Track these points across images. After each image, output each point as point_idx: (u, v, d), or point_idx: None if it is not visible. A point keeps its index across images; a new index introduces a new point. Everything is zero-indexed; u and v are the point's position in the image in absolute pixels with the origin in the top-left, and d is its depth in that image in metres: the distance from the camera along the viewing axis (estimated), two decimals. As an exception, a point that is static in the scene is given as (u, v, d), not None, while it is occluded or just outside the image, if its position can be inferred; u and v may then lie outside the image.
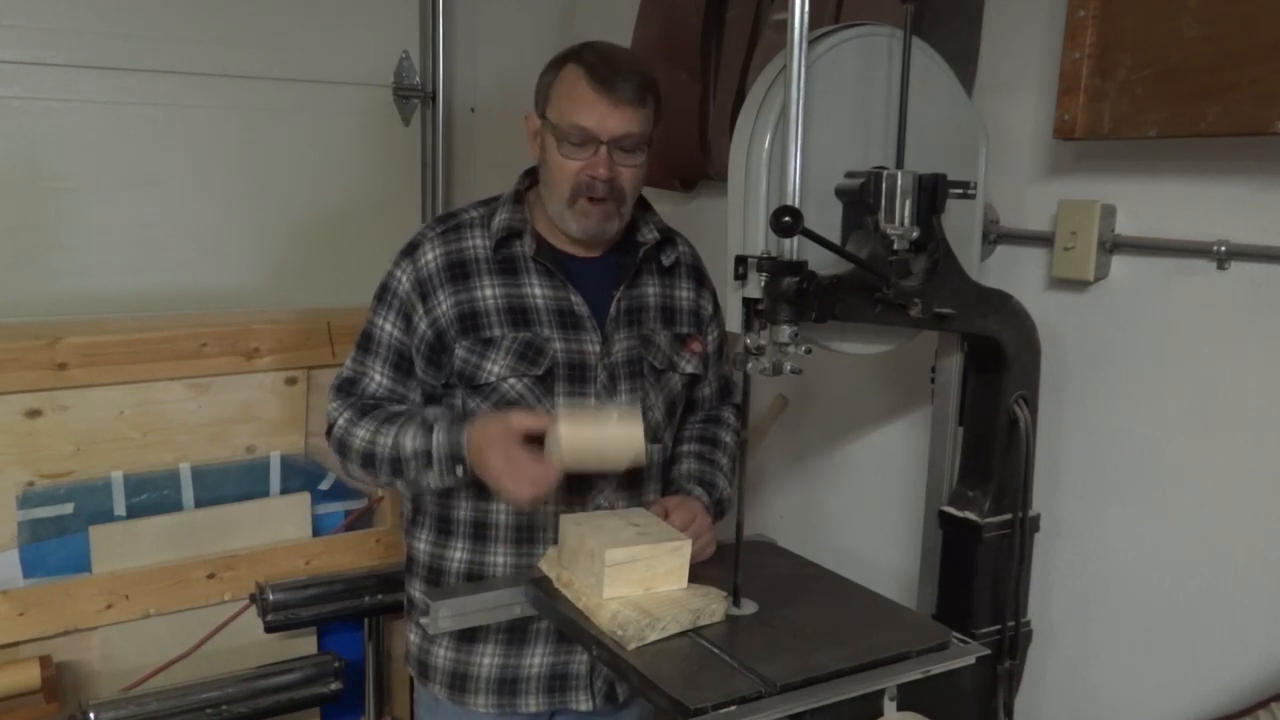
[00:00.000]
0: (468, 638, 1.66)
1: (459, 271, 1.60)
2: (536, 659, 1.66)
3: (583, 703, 1.68)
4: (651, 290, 1.70)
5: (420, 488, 1.60)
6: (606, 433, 1.46)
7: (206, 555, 2.26)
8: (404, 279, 1.61)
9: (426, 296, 1.59)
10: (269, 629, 2.23)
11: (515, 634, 1.65)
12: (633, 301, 1.67)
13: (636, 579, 1.42)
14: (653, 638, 1.34)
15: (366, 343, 1.65)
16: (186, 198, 2.50)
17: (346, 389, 1.65)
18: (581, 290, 1.62)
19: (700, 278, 1.77)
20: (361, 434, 1.59)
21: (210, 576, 2.26)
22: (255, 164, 2.58)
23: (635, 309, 1.67)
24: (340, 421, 1.62)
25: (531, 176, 1.67)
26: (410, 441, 1.54)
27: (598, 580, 1.41)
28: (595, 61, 1.53)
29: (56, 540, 2.16)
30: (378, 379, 1.63)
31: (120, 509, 2.22)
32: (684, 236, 1.78)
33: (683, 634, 1.38)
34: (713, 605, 1.41)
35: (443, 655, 1.68)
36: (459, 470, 1.52)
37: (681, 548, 1.45)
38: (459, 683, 1.67)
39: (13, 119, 2.30)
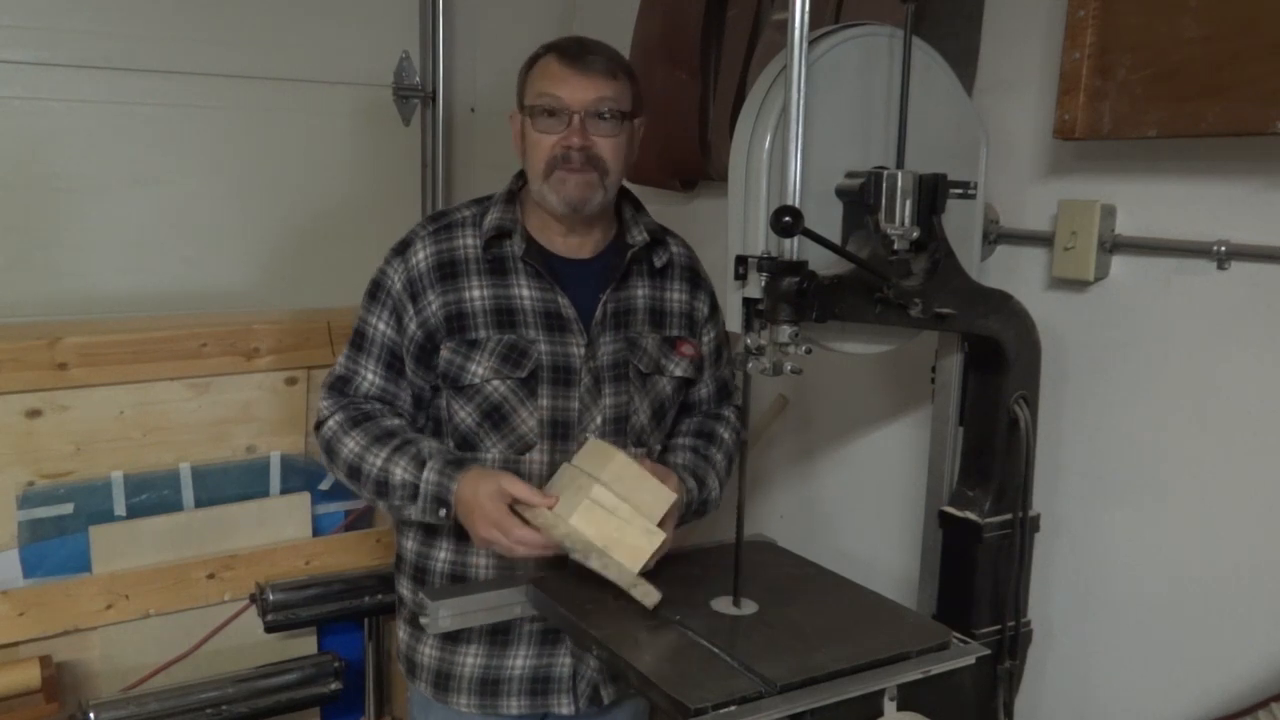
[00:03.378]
0: (452, 637, 1.66)
1: (449, 271, 1.60)
2: (519, 660, 1.66)
3: (564, 706, 1.67)
4: (640, 292, 1.69)
5: (401, 516, 1.60)
6: (619, 538, 1.45)
7: (206, 555, 2.26)
8: (396, 278, 1.61)
9: (417, 297, 1.60)
10: (269, 629, 2.23)
11: (499, 635, 1.65)
12: (620, 304, 1.66)
13: (606, 529, 1.43)
14: (593, 564, 1.42)
15: (360, 341, 1.64)
16: (186, 198, 2.50)
17: (339, 387, 1.65)
18: (570, 292, 1.62)
19: (695, 279, 1.76)
20: (351, 445, 1.58)
21: (210, 576, 2.26)
22: (255, 164, 2.58)
23: (622, 311, 1.66)
24: (330, 423, 1.62)
25: (524, 177, 1.67)
26: (400, 472, 1.54)
27: (572, 506, 1.43)
28: (565, 43, 1.59)
29: (56, 540, 2.16)
30: (370, 378, 1.63)
31: (120, 509, 2.22)
32: (679, 237, 1.78)
33: (683, 634, 1.38)
34: (649, 595, 1.44)
35: (427, 653, 1.68)
36: (442, 514, 1.53)
37: (653, 534, 1.46)
38: (443, 681, 1.67)
39: (13, 119, 2.30)
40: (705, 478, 1.71)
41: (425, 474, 1.53)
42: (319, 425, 1.65)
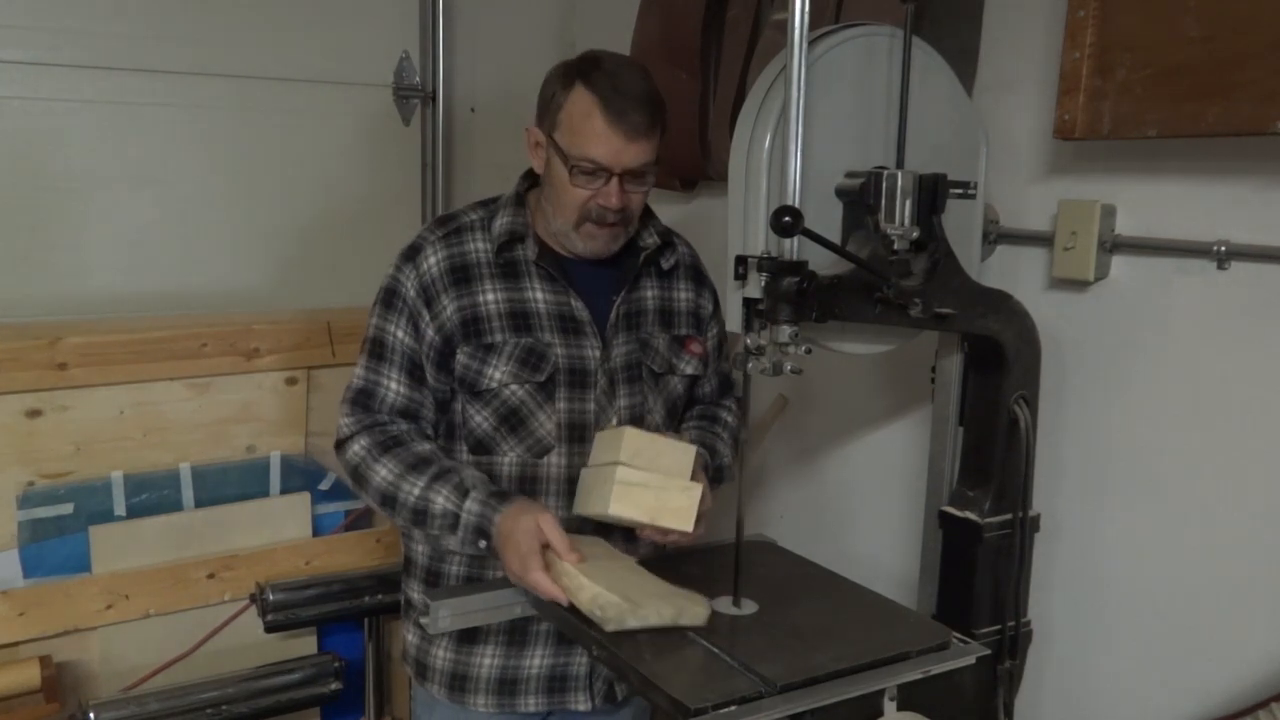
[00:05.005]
0: (467, 639, 1.66)
1: (461, 275, 1.59)
2: (536, 660, 1.66)
3: (581, 703, 1.68)
4: (650, 294, 1.70)
5: (436, 544, 1.59)
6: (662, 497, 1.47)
7: (206, 555, 2.26)
8: (409, 285, 1.59)
9: (431, 302, 1.59)
10: (269, 629, 2.23)
11: (515, 635, 1.65)
12: (632, 306, 1.67)
13: (644, 504, 1.44)
14: (632, 624, 1.34)
15: (380, 350, 1.61)
16: (186, 198, 2.50)
17: (362, 402, 1.61)
18: (582, 295, 1.62)
19: (699, 278, 1.77)
20: (383, 473, 1.55)
21: (210, 576, 2.26)
22: (255, 164, 2.58)
23: (634, 313, 1.67)
24: (356, 448, 1.58)
25: (532, 178, 1.67)
26: (442, 501, 1.52)
27: (605, 497, 1.43)
28: (608, 91, 1.50)
29: (56, 540, 2.16)
30: (394, 388, 1.60)
31: (120, 509, 2.22)
32: (683, 237, 1.78)
33: (682, 635, 1.38)
34: (696, 608, 1.40)
35: (442, 656, 1.68)
36: (482, 544, 1.50)
37: (691, 489, 1.48)
38: (458, 683, 1.67)
39: (14, 119, 2.30)
40: (715, 445, 1.73)
41: (467, 504, 1.50)
42: (341, 444, 1.61)
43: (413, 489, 1.53)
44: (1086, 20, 1.48)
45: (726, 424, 1.80)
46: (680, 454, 1.50)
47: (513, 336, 1.58)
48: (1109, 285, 1.61)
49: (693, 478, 1.51)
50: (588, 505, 1.53)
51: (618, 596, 1.36)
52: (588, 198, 1.53)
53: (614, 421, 1.63)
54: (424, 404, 1.62)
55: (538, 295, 1.61)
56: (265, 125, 2.57)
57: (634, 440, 1.47)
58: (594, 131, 1.50)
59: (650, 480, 1.45)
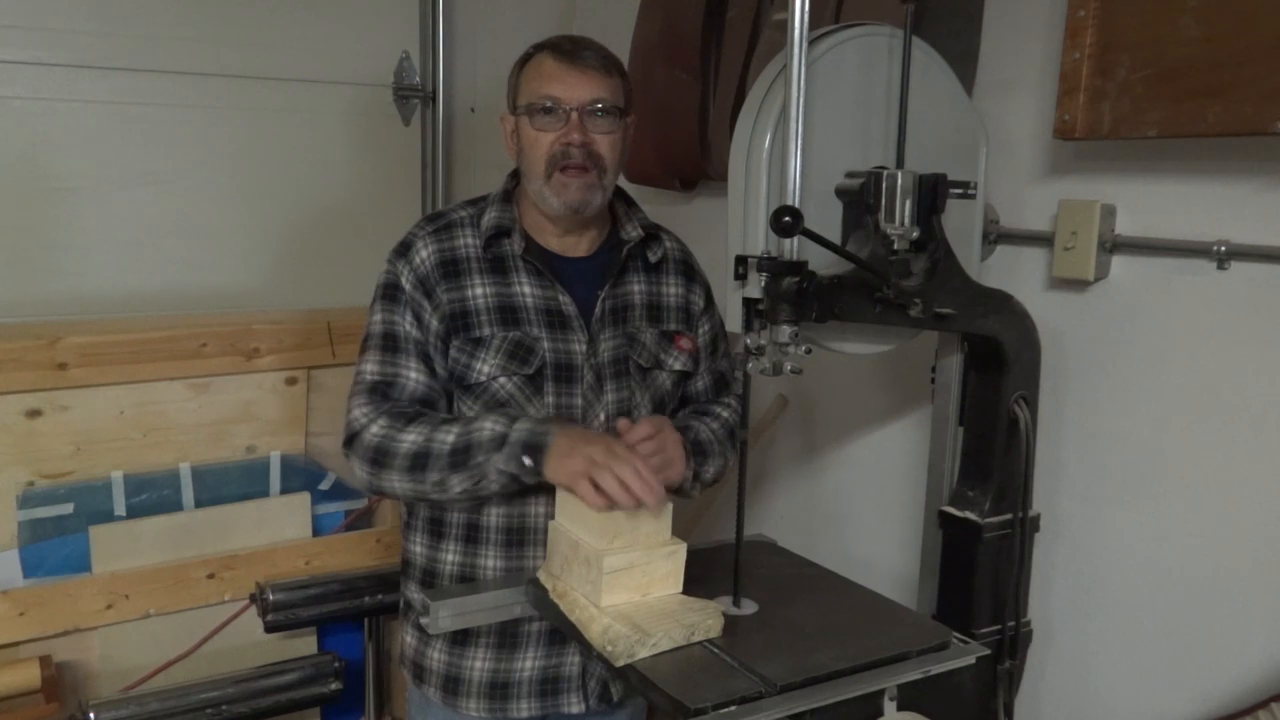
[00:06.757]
0: (459, 641, 1.65)
1: (451, 270, 1.60)
2: (528, 663, 1.65)
3: (575, 705, 1.67)
4: (637, 288, 1.69)
5: (477, 478, 1.50)
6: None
7: (206, 555, 2.26)
8: (406, 279, 1.60)
9: (430, 294, 1.59)
10: (269, 629, 2.23)
11: (506, 638, 1.65)
12: (618, 300, 1.66)
13: (634, 584, 1.41)
14: (643, 654, 1.32)
15: (392, 343, 1.59)
16: (186, 198, 2.50)
17: (381, 391, 1.58)
18: (569, 290, 1.62)
19: (690, 273, 1.76)
20: (413, 437, 1.52)
21: (210, 576, 2.26)
22: (255, 164, 2.58)
23: (621, 308, 1.66)
24: (376, 429, 1.54)
25: (519, 176, 1.67)
26: (490, 425, 1.49)
27: (595, 588, 1.40)
28: (558, 41, 1.59)
29: (56, 540, 2.16)
30: (414, 377, 1.58)
31: (120, 509, 2.23)
32: (671, 232, 1.78)
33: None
34: (709, 621, 1.38)
35: (437, 658, 1.68)
36: (527, 460, 1.46)
37: (677, 552, 1.44)
38: (452, 685, 1.67)
39: (13, 119, 2.30)
40: (689, 423, 1.69)
41: (517, 425, 1.48)
42: (354, 436, 1.57)
43: (448, 435, 1.51)
44: (1086, 20, 1.48)
45: (719, 417, 1.74)
46: (656, 513, 1.44)
47: (501, 330, 1.58)
48: (1109, 285, 1.61)
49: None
50: (569, 576, 1.47)
51: (627, 627, 1.34)
52: (551, 141, 1.55)
53: (601, 417, 1.62)
54: (440, 394, 1.60)
55: (525, 290, 1.61)
56: (265, 125, 2.58)
57: (610, 523, 1.40)
58: (546, 73, 1.56)
59: (635, 559, 1.41)
